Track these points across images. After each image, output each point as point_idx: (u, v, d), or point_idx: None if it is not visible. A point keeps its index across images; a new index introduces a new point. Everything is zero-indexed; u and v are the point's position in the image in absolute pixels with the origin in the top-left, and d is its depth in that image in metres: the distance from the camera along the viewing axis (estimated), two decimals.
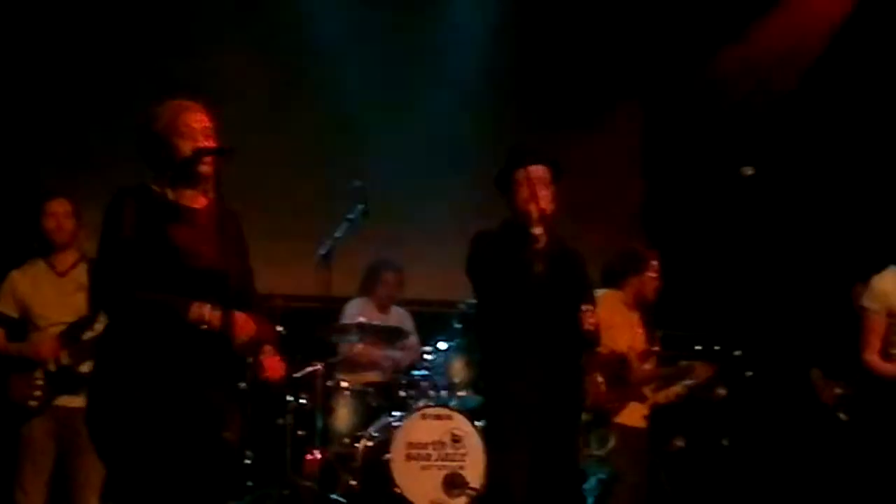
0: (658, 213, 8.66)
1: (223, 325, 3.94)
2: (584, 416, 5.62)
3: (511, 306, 4.96)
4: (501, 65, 8.75)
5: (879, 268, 5.75)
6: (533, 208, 4.85)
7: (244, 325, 4.01)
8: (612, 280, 6.22)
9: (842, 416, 6.59)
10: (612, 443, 5.81)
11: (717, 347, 6.21)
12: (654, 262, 6.26)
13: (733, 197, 6.59)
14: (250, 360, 4.27)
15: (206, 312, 3.96)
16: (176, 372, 3.98)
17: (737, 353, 6.12)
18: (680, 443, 6.75)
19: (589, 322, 4.86)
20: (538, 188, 4.89)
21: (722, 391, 6.72)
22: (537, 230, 4.86)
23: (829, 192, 7.92)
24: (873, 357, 5.53)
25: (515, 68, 8.80)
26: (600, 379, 5.84)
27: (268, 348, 4.26)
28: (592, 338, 4.94)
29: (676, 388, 6.20)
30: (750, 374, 6.34)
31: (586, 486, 5.70)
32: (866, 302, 5.59)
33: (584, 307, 4.85)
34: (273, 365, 4.25)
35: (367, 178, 7.27)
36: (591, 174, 8.23)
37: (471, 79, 8.63)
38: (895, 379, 5.47)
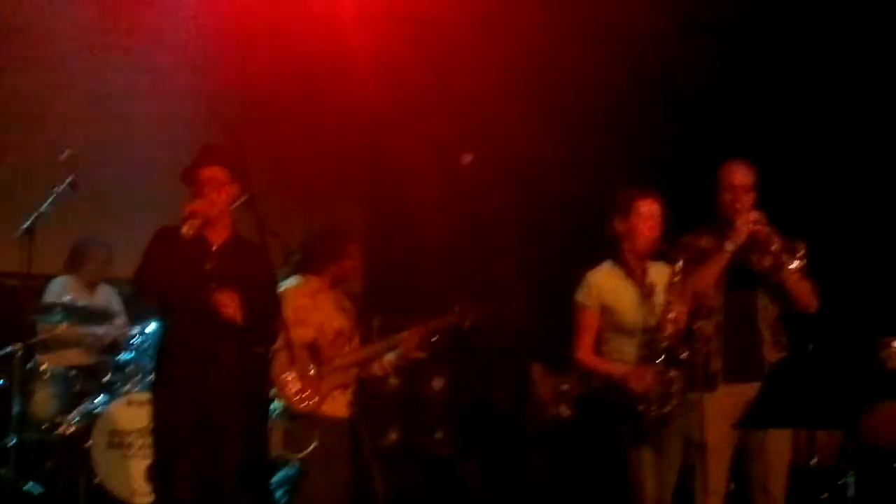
0: (387, 198, 8.74)
1: None
2: (283, 413, 5.72)
3: (176, 302, 5.35)
4: None
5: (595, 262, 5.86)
6: (186, 209, 5.28)
7: None
8: (310, 266, 6.09)
9: (564, 410, 6.80)
10: (315, 440, 5.73)
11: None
12: (355, 246, 6.19)
13: (455, 183, 6.75)
14: None
15: None
16: None
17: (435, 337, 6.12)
18: (395, 435, 6.88)
19: (226, 309, 5.16)
20: (207, 190, 5.35)
21: (438, 383, 6.99)
22: (184, 229, 5.24)
23: (551, 181, 8.02)
24: (585, 354, 5.58)
25: None
26: (292, 376, 5.79)
27: None
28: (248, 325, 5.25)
29: (390, 358, 6.12)
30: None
31: (274, 481, 5.69)
32: (580, 297, 5.60)
33: (220, 295, 5.18)
34: None
35: (76, 148, 7.06)
36: (319, 157, 8.39)
37: None
38: (606, 375, 5.55)
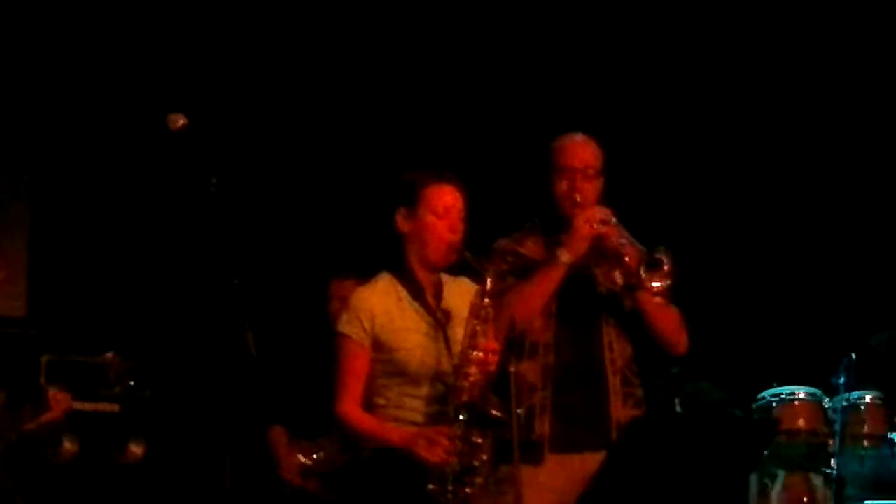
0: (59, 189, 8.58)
1: None
2: None
3: None
4: None
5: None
6: None
7: None
8: None
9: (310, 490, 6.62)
10: None
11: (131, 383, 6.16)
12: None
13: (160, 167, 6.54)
14: None
15: None
16: None
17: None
18: None
19: None
20: None
21: (137, 449, 6.57)
22: None
23: (309, 163, 8.16)
24: (351, 408, 5.16)
25: None
26: None
27: None
28: None
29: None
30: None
31: None
32: (343, 327, 5.21)
33: None
34: None
35: None
36: None
37: None
38: (380, 440, 5.18)
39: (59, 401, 5.90)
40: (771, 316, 7.83)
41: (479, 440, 5.11)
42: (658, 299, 5.46)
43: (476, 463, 5.10)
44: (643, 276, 5.38)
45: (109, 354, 6.19)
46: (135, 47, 8.13)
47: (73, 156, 8.29)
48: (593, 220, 5.36)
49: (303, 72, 8.24)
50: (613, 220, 5.40)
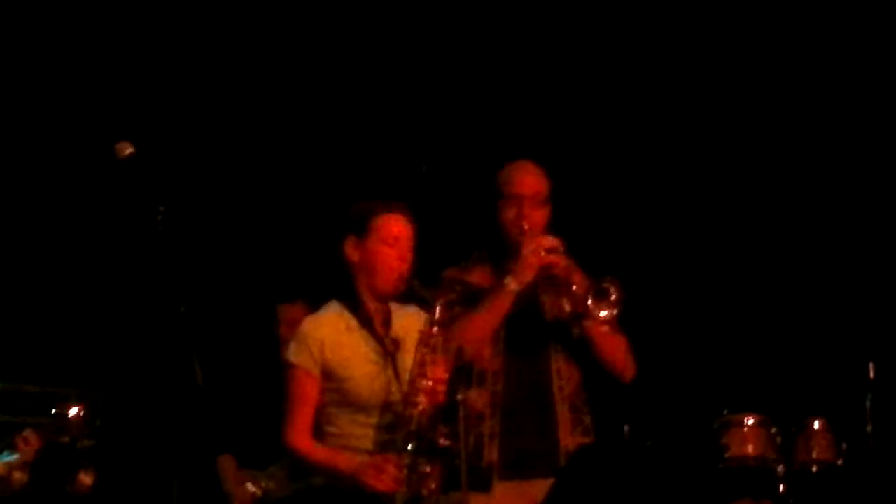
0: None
1: None
2: None
3: None
4: None
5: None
6: None
7: None
8: None
9: None
10: None
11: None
12: None
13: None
14: None
15: None
16: None
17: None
18: None
19: None
20: None
21: (87, 479, 6.38)
22: None
23: (261, 188, 8.10)
24: (300, 437, 5.16)
25: None
26: None
27: None
28: None
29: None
30: None
31: None
32: (291, 355, 5.18)
33: None
34: None
35: None
36: None
37: None
38: (329, 469, 5.16)
39: (30, 441, 5.85)
40: (721, 343, 7.76)
41: (428, 469, 5.11)
42: (605, 328, 5.49)
43: (424, 492, 5.10)
44: (591, 304, 5.43)
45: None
46: (83, 75, 8.06)
47: (18, 185, 8.13)
48: (541, 248, 5.41)
49: (249, 100, 8.23)
50: (561, 248, 5.44)
